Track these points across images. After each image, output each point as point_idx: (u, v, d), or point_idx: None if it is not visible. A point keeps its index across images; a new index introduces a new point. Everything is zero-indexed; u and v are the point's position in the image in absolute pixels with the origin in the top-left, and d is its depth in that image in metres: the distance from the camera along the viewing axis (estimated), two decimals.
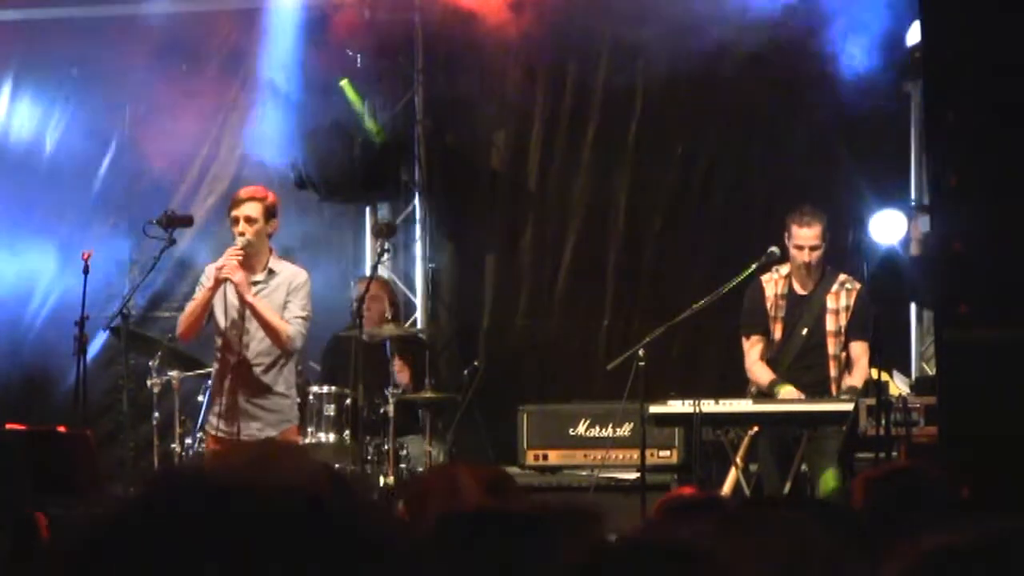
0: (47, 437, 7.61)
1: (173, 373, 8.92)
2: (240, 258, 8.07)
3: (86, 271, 8.67)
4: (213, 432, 8.24)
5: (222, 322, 8.20)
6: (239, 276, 8.03)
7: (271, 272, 8.23)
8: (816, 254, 8.55)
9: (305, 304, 8.24)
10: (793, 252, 8.57)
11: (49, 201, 10.73)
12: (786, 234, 8.60)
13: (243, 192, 8.37)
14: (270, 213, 8.23)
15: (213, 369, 8.40)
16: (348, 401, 8.87)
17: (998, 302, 5.89)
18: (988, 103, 5.84)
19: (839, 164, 9.60)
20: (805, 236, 8.53)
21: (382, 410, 9.23)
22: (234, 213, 8.21)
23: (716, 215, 10.02)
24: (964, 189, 5.83)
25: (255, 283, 8.18)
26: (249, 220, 8.15)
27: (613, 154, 10.35)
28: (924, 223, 8.95)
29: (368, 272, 9.87)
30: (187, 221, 9.22)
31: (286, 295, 8.20)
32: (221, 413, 8.18)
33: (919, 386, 8.55)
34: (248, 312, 8.13)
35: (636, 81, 10.12)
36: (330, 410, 8.78)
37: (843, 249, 9.07)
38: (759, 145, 9.74)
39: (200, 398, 8.95)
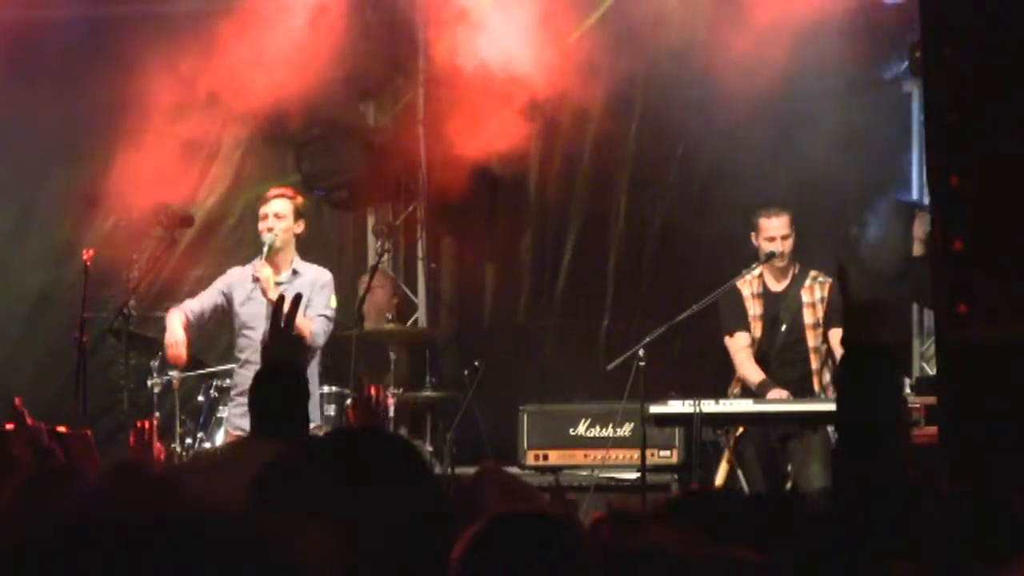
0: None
1: (173, 373, 8.92)
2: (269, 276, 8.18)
3: (86, 271, 8.67)
4: (233, 431, 8.30)
5: (244, 322, 8.26)
6: (266, 273, 8.11)
7: (295, 272, 8.32)
8: (788, 243, 8.72)
9: (328, 302, 8.35)
10: (763, 245, 8.75)
11: (50, 201, 10.73)
12: (753, 233, 8.75)
13: (273, 190, 8.51)
14: (298, 213, 8.39)
15: (234, 368, 8.43)
16: (348, 401, 8.88)
17: (998, 302, 5.89)
18: (988, 103, 5.83)
19: (840, 164, 9.60)
20: (775, 227, 8.71)
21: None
22: (263, 210, 8.34)
23: (716, 215, 10.01)
24: (964, 189, 5.83)
25: (279, 283, 8.25)
26: (279, 216, 8.29)
27: (613, 154, 10.34)
28: (927, 223, 8.96)
29: (368, 272, 9.87)
30: (188, 221, 9.22)
31: (309, 294, 8.26)
32: (242, 413, 8.24)
33: (919, 386, 8.56)
34: (269, 313, 8.19)
35: (637, 80, 10.11)
36: (330, 410, 8.79)
37: (844, 248, 9.09)
38: (759, 145, 9.73)
39: (200, 398, 8.96)
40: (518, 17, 9.61)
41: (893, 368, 3.22)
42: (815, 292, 8.77)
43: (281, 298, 3.91)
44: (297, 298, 3.95)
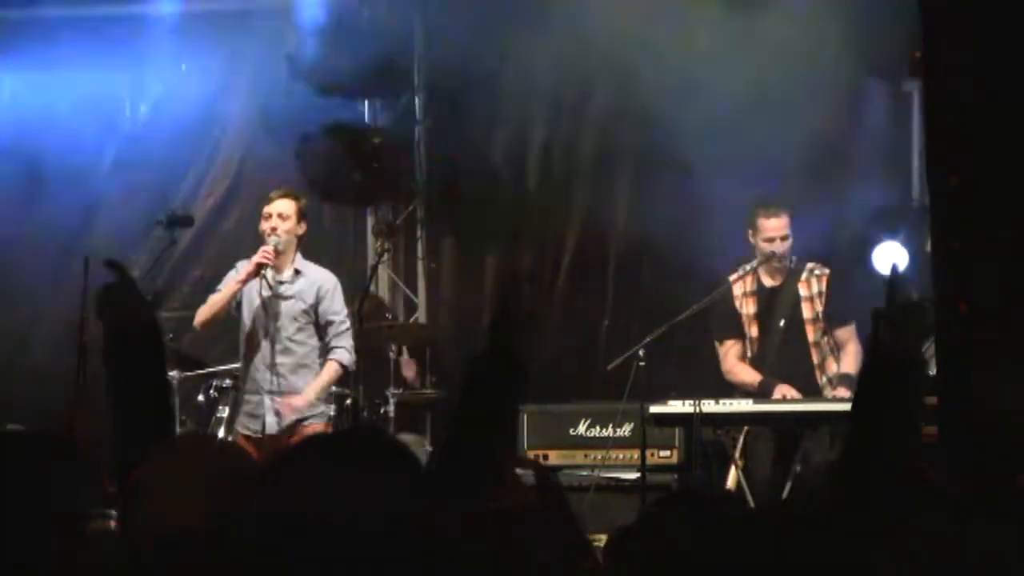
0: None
1: (173, 373, 8.91)
2: (271, 257, 8.12)
3: (86, 272, 8.66)
4: (243, 431, 8.29)
5: (249, 324, 8.23)
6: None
7: (297, 272, 8.27)
8: (786, 244, 8.62)
9: (340, 309, 8.32)
10: (762, 245, 8.64)
11: (50, 200, 10.73)
12: (751, 230, 8.67)
13: (277, 191, 8.46)
14: (302, 214, 8.32)
15: (240, 367, 8.38)
16: (348, 401, 8.88)
17: (998, 302, 5.89)
18: (988, 103, 5.83)
19: (840, 165, 9.60)
20: (774, 226, 8.61)
21: (382, 410, 9.23)
22: (267, 209, 8.29)
23: (716, 215, 10.01)
24: (964, 189, 5.83)
25: (280, 282, 8.22)
26: (282, 216, 8.24)
27: (613, 154, 10.34)
28: None
29: (368, 272, 9.88)
30: (188, 221, 9.22)
31: (315, 299, 8.24)
32: (250, 412, 8.23)
33: None
34: (274, 313, 8.17)
35: (639, 79, 10.10)
36: (330, 410, 8.78)
37: (844, 247, 9.09)
38: (759, 146, 9.74)
39: (200, 398, 8.95)
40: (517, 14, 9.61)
41: (921, 373, 3.21)
42: (812, 286, 8.65)
43: (507, 293, 3.51)
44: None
